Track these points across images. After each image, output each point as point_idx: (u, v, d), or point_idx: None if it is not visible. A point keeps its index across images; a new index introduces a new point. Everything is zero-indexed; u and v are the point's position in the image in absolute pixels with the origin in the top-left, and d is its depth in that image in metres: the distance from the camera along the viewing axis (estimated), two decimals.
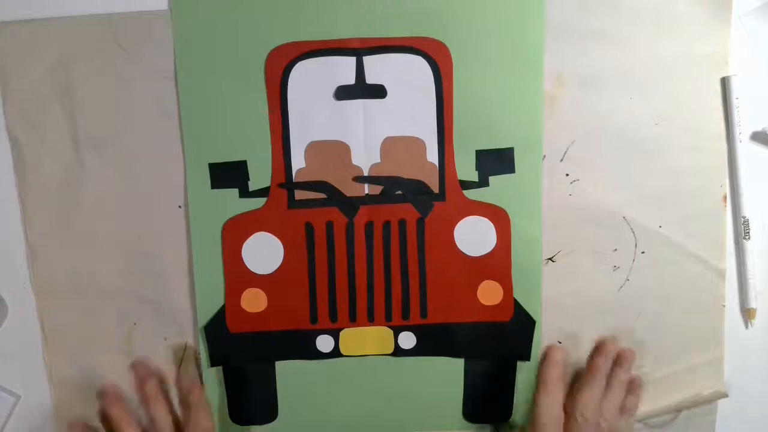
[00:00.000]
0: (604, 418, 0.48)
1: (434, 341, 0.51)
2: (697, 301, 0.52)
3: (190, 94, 0.48)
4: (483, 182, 0.49)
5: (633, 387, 0.50)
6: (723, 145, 0.50)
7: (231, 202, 0.49)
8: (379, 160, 0.49)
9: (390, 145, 0.49)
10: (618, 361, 0.50)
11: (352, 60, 0.48)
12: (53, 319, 0.51)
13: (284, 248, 0.49)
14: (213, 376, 0.51)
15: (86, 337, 0.51)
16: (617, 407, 0.49)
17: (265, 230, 0.49)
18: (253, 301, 0.50)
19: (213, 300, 0.50)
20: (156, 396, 0.48)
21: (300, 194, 0.49)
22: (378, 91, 0.48)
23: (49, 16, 0.47)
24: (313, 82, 0.48)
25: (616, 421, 0.49)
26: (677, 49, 0.49)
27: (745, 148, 0.50)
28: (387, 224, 0.49)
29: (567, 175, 0.50)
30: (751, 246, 0.51)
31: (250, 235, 0.49)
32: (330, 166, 0.49)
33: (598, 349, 0.50)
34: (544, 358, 0.50)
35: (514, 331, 0.51)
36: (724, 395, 0.52)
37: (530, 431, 0.48)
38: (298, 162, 0.49)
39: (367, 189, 0.49)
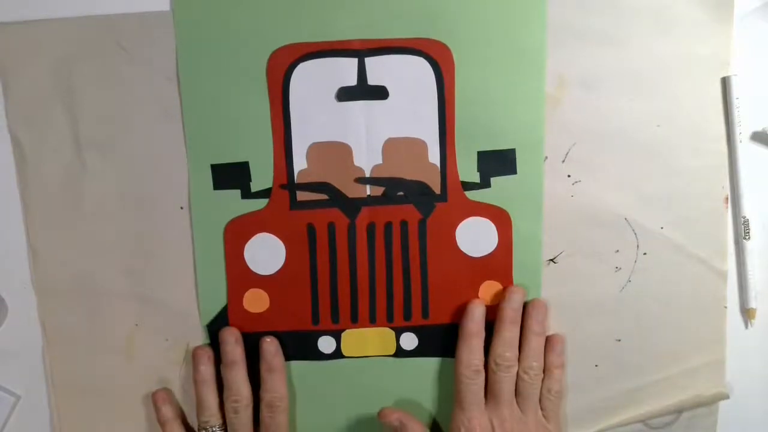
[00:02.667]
0: (523, 370, 0.48)
1: (436, 342, 0.51)
2: (698, 303, 0.52)
3: (192, 95, 0.48)
4: (485, 183, 0.49)
5: (552, 344, 0.50)
6: (724, 146, 0.50)
7: (233, 203, 0.49)
8: (380, 161, 0.49)
9: (392, 146, 0.49)
10: (527, 311, 0.50)
11: (354, 61, 0.47)
12: (54, 319, 0.51)
13: (286, 249, 0.50)
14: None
15: (87, 338, 0.51)
16: (536, 360, 0.49)
17: (267, 231, 0.49)
18: (256, 301, 0.50)
19: (215, 301, 0.50)
20: (235, 360, 0.49)
21: (302, 195, 0.49)
22: (380, 93, 0.48)
23: (50, 17, 0.47)
24: (314, 84, 0.48)
25: (538, 378, 0.49)
26: (678, 49, 0.49)
27: (745, 148, 0.50)
28: (389, 225, 0.49)
29: (569, 176, 0.50)
30: (751, 246, 0.51)
31: (253, 235, 0.49)
32: (332, 167, 0.49)
33: (504, 297, 0.50)
34: (465, 311, 0.49)
35: None
36: (726, 396, 0.52)
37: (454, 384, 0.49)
38: (299, 163, 0.49)
39: (368, 190, 0.49)
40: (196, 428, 0.50)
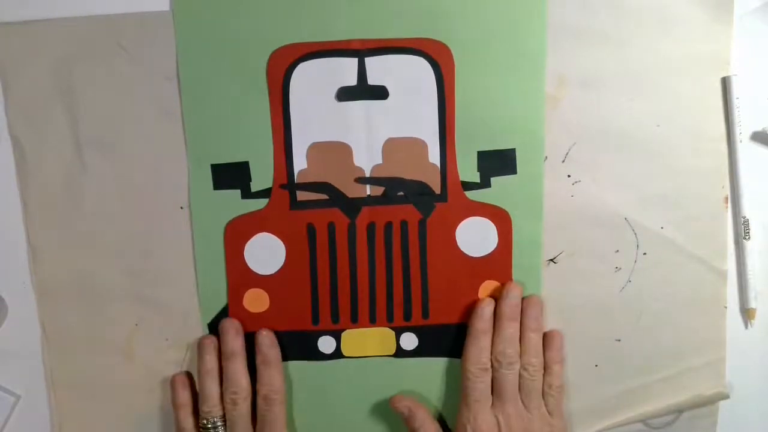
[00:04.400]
0: (523, 367, 0.49)
1: (436, 342, 0.51)
2: (698, 303, 0.52)
3: (192, 95, 0.48)
4: (485, 183, 0.49)
5: (550, 340, 0.50)
6: (724, 146, 0.50)
7: (233, 203, 0.49)
8: (380, 161, 0.49)
9: (392, 146, 0.49)
10: (523, 309, 0.50)
11: (354, 61, 0.48)
12: (54, 319, 0.51)
13: (286, 249, 0.50)
14: None
15: (87, 338, 0.51)
16: (535, 357, 0.49)
17: (267, 231, 0.49)
18: (256, 301, 0.50)
19: (215, 300, 0.50)
20: (235, 351, 0.49)
21: (302, 195, 0.49)
22: (380, 92, 0.48)
23: (51, 17, 0.47)
24: (314, 84, 0.48)
25: (538, 374, 0.49)
26: (678, 49, 0.49)
27: (746, 148, 0.50)
28: (389, 225, 0.49)
29: (569, 176, 0.50)
30: (751, 246, 0.51)
31: (253, 235, 0.49)
32: (332, 167, 0.49)
33: (502, 294, 0.50)
34: (474, 309, 0.50)
35: None
36: (726, 396, 0.52)
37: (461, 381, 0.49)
38: (299, 163, 0.49)
39: (368, 190, 0.49)
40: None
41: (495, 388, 0.49)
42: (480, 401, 0.48)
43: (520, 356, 0.49)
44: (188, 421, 0.49)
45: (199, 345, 0.50)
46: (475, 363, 0.48)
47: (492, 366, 0.48)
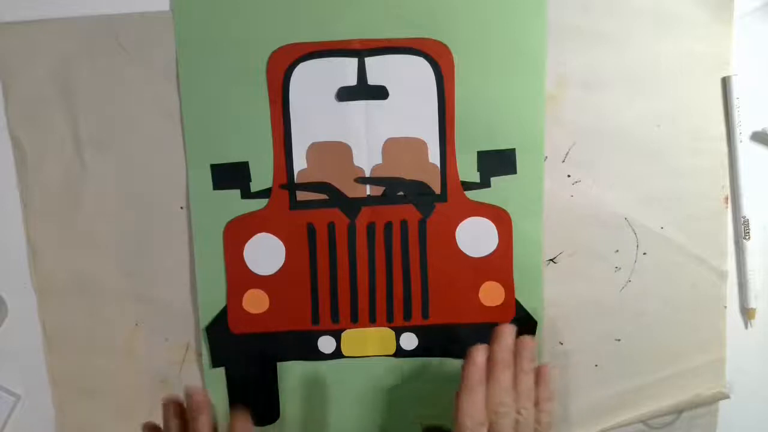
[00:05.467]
0: (518, 411, 0.46)
1: (436, 342, 0.51)
2: (698, 302, 0.52)
3: (191, 95, 0.48)
4: (484, 183, 0.49)
5: (540, 377, 0.47)
6: (724, 146, 0.50)
7: (233, 203, 0.49)
8: (380, 161, 0.49)
9: (391, 146, 0.49)
10: (518, 350, 0.47)
11: (354, 61, 0.48)
12: (54, 319, 0.51)
13: (286, 249, 0.50)
14: (215, 377, 0.51)
15: (87, 338, 0.51)
16: (529, 400, 0.46)
17: (266, 231, 0.49)
18: (255, 301, 0.50)
19: (215, 301, 0.50)
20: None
21: (302, 195, 0.49)
22: (379, 92, 0.48)
23: (51, 17, 0.47)
24: (314, 84, 0.48)
25: (531, 415, 0.46)
26: (678, 49, 0.49)
27: (746, 148, 0.50)
28: (389, 225, 0.49)
29: (569, 176, 0.50)
30: (751, 246, 0.51)
31: (252, 236, 0.49)
32: (331, 167, 0.49)
33: (492, 339, 0.46)
34: (467, 357, 0.45)
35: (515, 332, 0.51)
36: (726, 396, 0.52)
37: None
38: (299, 163, 0.49)
39: (368, 190, 0.49)
40: None
41: None
42: None
43: (514, 396, 0.46)
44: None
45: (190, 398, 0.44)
46: (471, 417, 0.44)
47: (489, 416, 0.45)
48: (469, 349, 0.45)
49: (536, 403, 0.47)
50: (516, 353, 0.47)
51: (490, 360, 0.46)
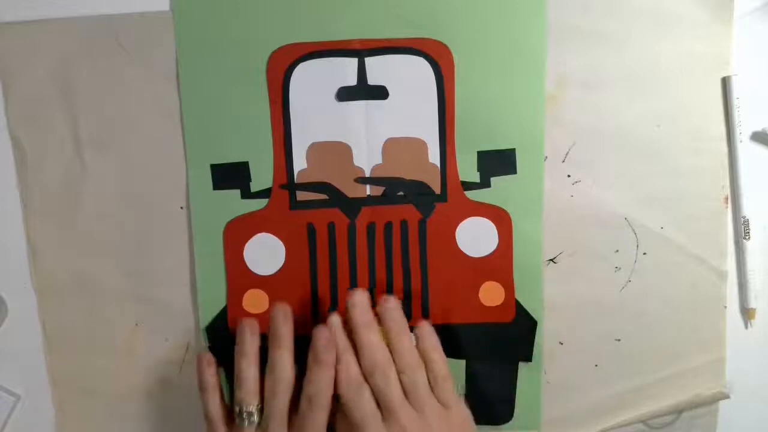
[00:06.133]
0: (401, 371, 0.44)
1: None
2: (698, 302, 0.52)
3: (191, 95, 0.48)
4: (484, 183, 0.49)
5: (419, 333, 0.46)
6: (724, 146, 0.50)
7: (233, 203, 0.49)
8: (380, 161, 0.49)
9: (391, 146, 0.49)
10: (380, 315, 0.46)
11: (354, 61, 0.48)
12: (54, 319, 0.51)
13: (286, 249, 0.50)
14: None
15: (87, 338, 0.51)
16: (407, 356, 0.45)
17: (267, 231, 0.49)
18: (255, 302, 0.50)
19: (215, 301, 0.50)
20: (283, 338, 0.44)
21: (302, 195, 0.49)
22: (379, 92, 0.48)
23: (51, 17, 0.47)
24: (314, 84, 0.48)
25: (418, 373, 0.45)
26: (678, 49, 0.49)
27: (746, 148, 0.50)
28: (389, 225, 0.49)
29: (569, 176, 0.50)
30: (751, 246, 0.51)
31: (252, 236, 0.49)
32: (331, 167, 0.49)
33: (345, 307, 0.45)
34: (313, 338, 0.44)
35: (515, 332, 0.51)
36: (726, 396, 0.52)
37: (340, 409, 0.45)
38: (299, 163, 0.49)
39: (368, 190, 0.49)
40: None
41: (380, 402, 0.44)
42: (367, 420, 0.43)
43: (394, 362, 0.44)
44: (216, 407, 0.45)
45: (241, 326, 0.45)
46: (348, 383, 0.43)
47: (367, 381, 0.44)
48: (316, 328, 0.44)
49: (425, 359, 0.46)
50: (381, 320, 0.46)
51: (350, 326, 0.45)
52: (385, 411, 0.44)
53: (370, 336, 0.44)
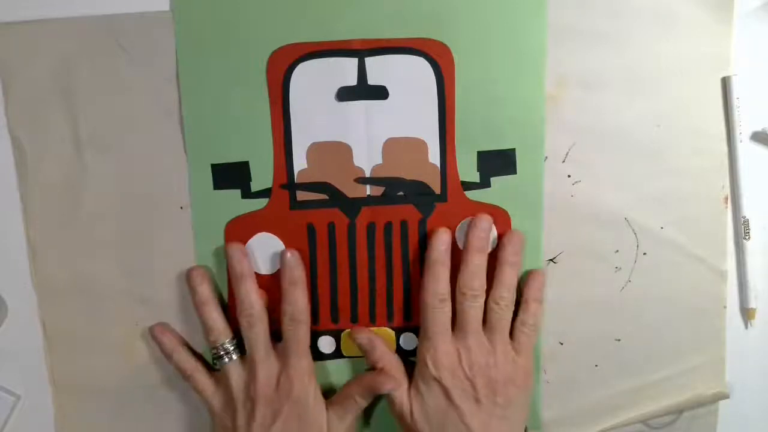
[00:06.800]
0: (494, 301, 0.47)
1: None
2: (698, 302, 0.52)
3: (191, 95, 0.48)
4: (484, 183, 0.49)
5: (533, 277, 0.49)
6: (724, 146, 0.50)
7: (233, 203, 0.49)
8: (380, 161, 0.49)
9: (392, 146, 0.49)
10: (502, 243, 0.48)
11: (354, 61, 0.47)
12: (54, 319, 0.51)
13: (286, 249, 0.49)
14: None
15: (87, 338, 0.51)
16: (507, 291, 0.47)
17: (267, 231, 0.49)
18: None
19: None
20: (244, 273, 0.48)
21: (302, 195, 0.49)
22: (380, 93, 0.48)
23: (51, 17, 0.47)
24: (314, 83, 0.48)
25: (508, 310, 0.47)
26: (678, 49, 0.49)
27: (745, 148, 0.50)
28: (389, 225, 0.49)
29: (569, 176, 0.50)
30: (751, 246, 0.52)
31: (253, 235, 0.49)
32: (331, 167, 0.49)
33: (470, 225, 0.48)
34: (429, 242, 0.48)
35: None
36: (726, 396, 0.53)
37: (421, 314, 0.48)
38: (299, 163, 0.49)
39: (368, 190, 0.49)
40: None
41: (458, 321, 0.47)
42: (439, 333, 0.46)
43: (492, 289, 0.47)
44: (189, 361, 0.48)
45: (189, 277, 0.48)
46: (433, 294, 0.46)
47: (456, 299, 0.47)
48: (434, 232, 0.48)
49: (523, 303, 0.48)
50: (500, 245, 0.48)
51: (464, 246, 0.48)
52: (459, 330, 0.47)
53: (477, 260, 0.47)
